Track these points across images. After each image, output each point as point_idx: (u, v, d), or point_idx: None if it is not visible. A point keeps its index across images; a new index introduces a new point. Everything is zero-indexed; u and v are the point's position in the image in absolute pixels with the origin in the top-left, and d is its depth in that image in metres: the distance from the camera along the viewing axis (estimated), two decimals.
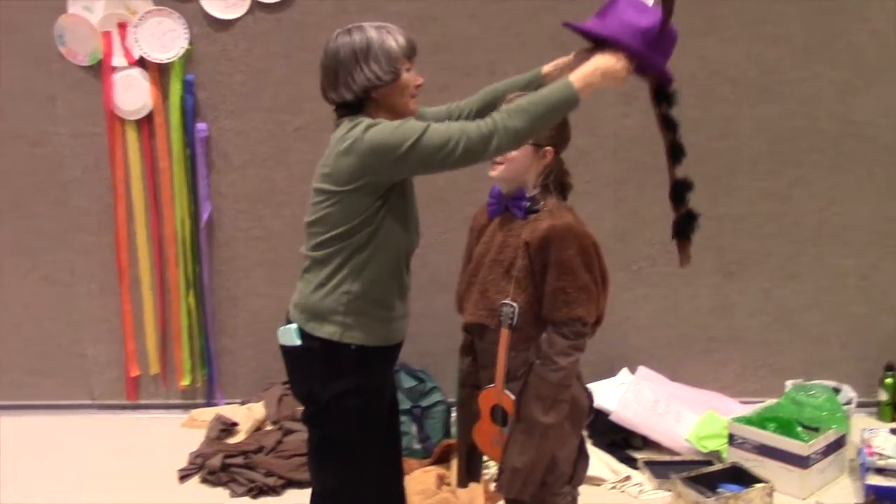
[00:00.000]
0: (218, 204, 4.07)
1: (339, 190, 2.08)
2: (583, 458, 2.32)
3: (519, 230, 2.17)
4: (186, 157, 4.00)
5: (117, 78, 3.92)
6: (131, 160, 4.02)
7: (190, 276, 4.10)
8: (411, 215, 2.21)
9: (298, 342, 2.16)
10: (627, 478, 3.43)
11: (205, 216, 4.05)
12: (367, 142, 2.03)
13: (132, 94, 3.94)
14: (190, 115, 3.97)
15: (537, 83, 2.34)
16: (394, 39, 2.12)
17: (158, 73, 3.94)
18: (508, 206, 2.26)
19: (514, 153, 2.16)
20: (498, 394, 2.20)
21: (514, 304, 2.14)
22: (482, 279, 2.21)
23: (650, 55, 2.09)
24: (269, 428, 3.86)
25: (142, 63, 3.93)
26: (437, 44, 3.84)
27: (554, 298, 2.12)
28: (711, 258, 3.97)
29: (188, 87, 3.94)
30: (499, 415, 2.23)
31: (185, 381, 4.18)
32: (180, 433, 4.00)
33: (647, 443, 3.68)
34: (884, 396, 3.91)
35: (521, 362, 2.18)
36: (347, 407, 2.16)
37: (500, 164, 2.20)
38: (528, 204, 2.20)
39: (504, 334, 2.15)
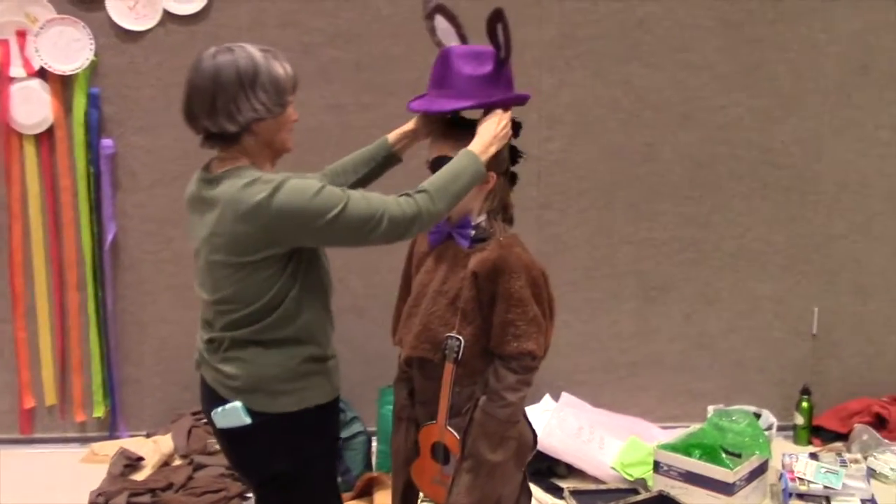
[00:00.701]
0: (123, 225, 3.84)
1: (244, 261, 1.86)
2: (525, 494, 2.22)
3: (464, 260, 2.06)
4: (90, 175, 3.76)
5: (15, 89, 3.66)
6: (29, 177, 3.76)
7: (92, 301, 3.85)
8: (324, 251, 2.07)
9: (248, 420, 1.94)
10: None
11: (109, 238, 3.81)
12: (278, 209, 1.80)
13: (31, 106, 3.69)
14: (94, 131, 3.74)
15: (385, 152, 2.30)
16: (281, 67, 1.92)
17: (61, 85, 3.70)
18: (452, 234, 2.14)
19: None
20: (440, 431, 2.09)
21: (460, 338, 2.03)
22: (425, 311, 2.10)
23: (514, 95, 2.09)
24: (177, 463, 3.64)
25: (42, 74, 3.68)
26: (358, 62, 3.73)
27: (503, 331, 2.02)
28: (633, 283, 3.97)
29: (93, 101, 3.71)
30: (440, 452, 2.12)
31: (91, 413, 3.92)
32: (79, 469, 3.73)
33: (571, 470, 3.62)
34: (800, 420, 3.96)
35: (466, 397, 2.07)
36: (316, 472, 2.01)
37: None
38: (474, 233, 2.09)
39: (448, 369, 2.04)
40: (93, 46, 3.65)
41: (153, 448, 3.69)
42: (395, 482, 2.28)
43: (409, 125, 2.31)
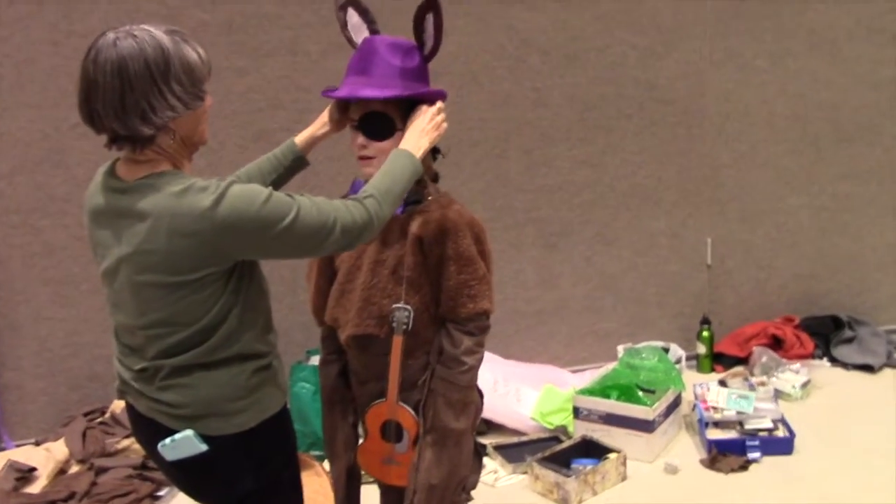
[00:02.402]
0: None
1: (182, 280, 1.64)
2: (477, 459, 2.15)
3: (400, 225, 1.93)
4: None
5: None
6: None
7: None
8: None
9: (204, 447, 1.73)
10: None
11: None
12: (224, 219, 1.59)
13: None
14: None
15: (293, 155, 2.11)
16: (194, 51, 1.66)
17: None
18: None
19: (386, 146, 1.92)
20: (391, 408, 1.96)
21: (409, 308, 1.91)
22: (364, 285, 1.95)
23: (437, 91, 1.99)
24: (75, 469, 3.38)
25: None
26: (230, 22, 3.49)
27: (457, 294, 1.91)
28: (533, 231, 3.93)
29: None
30: (392, 431, 2.00)
31: None
32: None
33: (490, 426, 3.59)
34: (702, 349, 4.06)
35: (419, 368, 1.96)
36: (284, 482, 1.84)
37: (372, 158, 1.94)
38: (407, 195, 1.96)
39: (397, 342, 1.91)
40: None
41: (45, 456, 3.42)
42: (335, 469, 2.14)
43: (318, 125, 2.11)
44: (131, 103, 1.60)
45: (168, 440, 1.74)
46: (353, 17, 2.01)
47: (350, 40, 2.01)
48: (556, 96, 3.82)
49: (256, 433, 1.77)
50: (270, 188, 1.66)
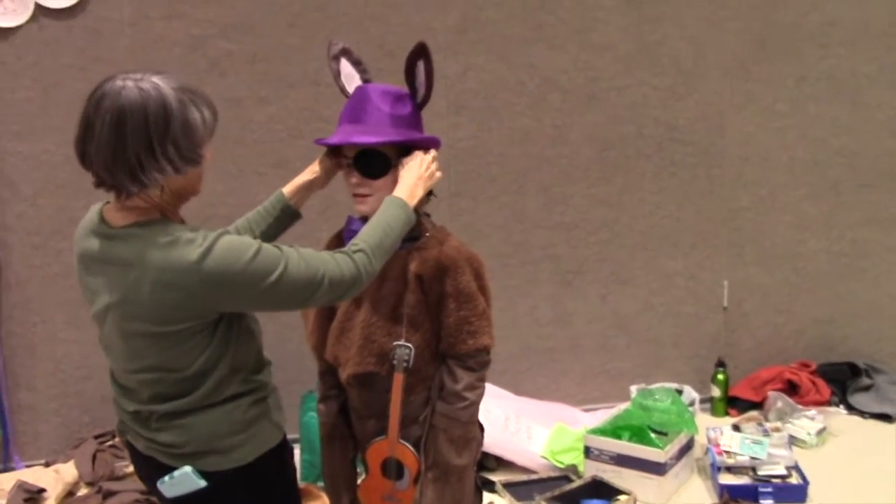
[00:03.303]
0: (5, 239, 3.53)
1: (167, 331, 1.62)
2: (478, 495, 2.13)
3: (398, 262, 1.94)
4: None
5: None
6: None
7: None
8: None
9: (203, 483, 1.73)
10: (490, 503, 3.29)
11: None
12: (210, 274, 1.57)
13: None
14: None
15: (281, 205, 2.09)
16: (198, 113, 1.62)
17: None
18: None
19: (383, 184, 1.93)
20: (392, 445, 1.96)
21: (410, 346, 1.91)
22: (364, 323, 1.96)
23: (431, 137, 2.02)
24: (84, 492, 3.38)
25: None
26: (254, 52, 3.53)
27: (457, 330, 1.92)
28: (548, 268, 3.93)
29: None
30: (392, 468, 1.99)
31: None
32: None
33: (500, 463, 3.56)
34: (716, 392, 4.02)
35: (419, 405, 1.96)
36: None
37: (367, 196, 1.95)
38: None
39: (398, 379, 1.92)
40: None
41: (55, 478, 3.42)
42: None
43: (307, 175, 2.10)
44: (122, 158, 1.57)
45: (167, 477, 1.74)
46: (346, 66, 2.05)
47: (343, 90, 2.04)
48: (575, 134, 3.84)
49: (255, 467, 1.77)
50: (259, 242, 1.64)
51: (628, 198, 3.93)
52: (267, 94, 3.58)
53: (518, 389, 3.93)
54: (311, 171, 2.10)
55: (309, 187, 2.10)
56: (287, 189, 2.09)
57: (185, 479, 1.73)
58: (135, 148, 1.56)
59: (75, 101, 3.43)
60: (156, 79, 1.61)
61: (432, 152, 1.96)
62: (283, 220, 2.10)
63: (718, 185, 4.00)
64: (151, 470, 1.78)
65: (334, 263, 1.69)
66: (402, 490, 2.01)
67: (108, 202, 1.74)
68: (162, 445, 1.74)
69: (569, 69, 3.77)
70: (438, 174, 1.98)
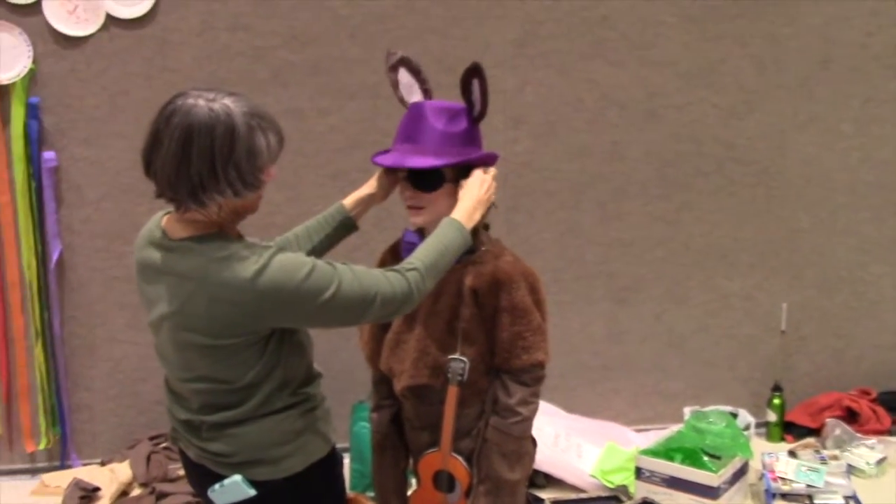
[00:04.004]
0: (70, 242, 3.63)
1: (220, 344, 1.65)
2: None
3: (454, 276, 1.94)
4: (31, 190, 3.54)
5: None
6: None
7: (38, 324, 3.62)
8: None
9: (253, 492, 1.75)
10: None
11: (54, 256, 3.59)
12: (265, 291, 1.58)
13: None
14: (35, 143, 3.51)
15: (341, 216, 2.11)
16: (264, 139, 1.63)
17: None
18: None
19: (436, 197, 1.94)
20: (444, 457, 1.96)
21: (465, 359, 1.91)
22: (419, 336, 1.96)
23: (488, 154, 2.01)
24: (137, 492, 3.45)
25: None
26: (316, 64, 3.58)
27: (511, 345, 1.91)
28: (603, 284, 3.90)
29: (32, 112, 3.49)
30: (444, 481, 2.00)
31: (41, 442, 3.70)
32: (30, 502, 3.52)
33: (549, 480, 3.53)
34: (772, 417, 3.94)
35: (473, 418, 1.96)
36: None
37: (422, 208, 1.96)
38: None
39: (452, 392, 1.92)
40: (31, 53, 3.43)
41: (110, 477, 3.49)
42: None
43: (367, 189, 2.13)
44: (185, 176, 1.60)
45: (217, 485, 1.77)
46: (404, 76, 2.04)
47: (402, 100, 2.04)
48: (633, 151, 3.81)
49: (304, 477, 1.78)
50: (314, 260, 1.66)
51: (686, 216, 3.89)
52: (327, 105, 3.63)
53: (569, 407, 3.89)
54: (372, 184, 2.12)
55: (369, 201, 2.13)
56: (347, 201, 2.12)
57: (234, 487, 1.75)
58: (198, 168, 1.59)
59: (141, 109, 3.56)
60: (227, 100, 1.62)
61: (492, 171, 1.97)
62: (341, 231, 2.13)
63: (778, 205, 3.93)
64: (202, 478, 1.81)
65: (386, 282, 1.71)
66: (453, 503, 2.01)
67: (168, 212, 1.78)
68: (212, 454, 1.77)
69: (628, 85, 3.75)
70: (493, 191, 1.98)
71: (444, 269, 1.82)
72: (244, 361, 1.68)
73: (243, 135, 1.60)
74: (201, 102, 1.61)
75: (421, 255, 1.79)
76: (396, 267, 1.76)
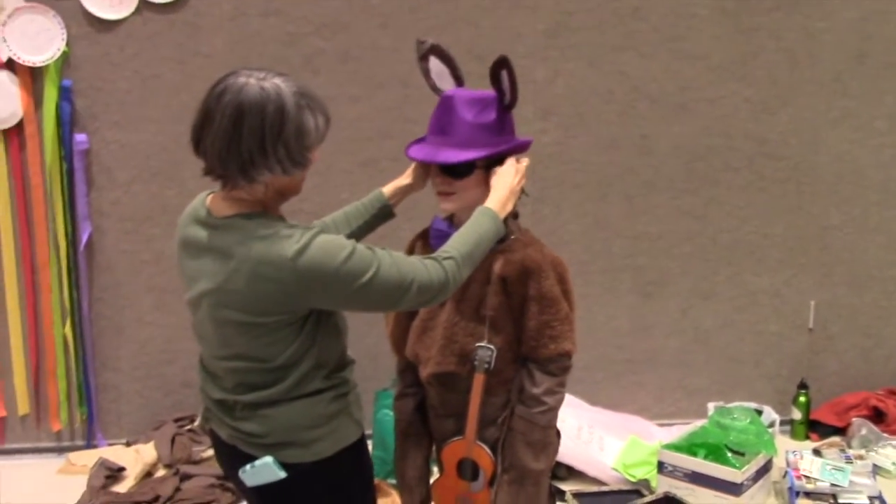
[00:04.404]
0: (99, 224, 3.66)
1: (258, 322, 1.66)
2: (552, 500, 2.12)
3: (484, 264, 1.94)
4: (63, 172, 3.58)
5: None
6: None
7: (67, 304, 3.66)
8: None
9: (283, 474, 1.77)
10: None
11: (84, 238, 3.63)
12: (305, 271, 1.61)
13: None
14: (67, 125, 3.55)
15: (380, 204, 2.13)
16: (312, 119, 1.66)
17: (30, 77, 3.50)
18: None
19: (467, 184, 1.94)
20: (469, 446, 1.96)
21: (492, 348, 1.91)
22: (446, 323, 1.96)
23: (521, 142, 2.02)
24: (162, 473, 3.48)
25: (10, 66, 3.48)
26: (346, 52, 3.59)
27: (539, 334, 1.91)
28: (629, 278, 3.88)
29: (65, 94, 3.52)
30: (468, 469, 2.00)
31: (61, 422, 3.75)
32: (56, 480, 3.57)
33: (571, 472, 3.53)
34: (797, 415, 3.91)
35: (499, 406, 1.96)
36: None
37: (452, 194, 1.96)
38: None
39: (479, 380, 1.92)
40: (64, 36, 3.47)
41: (135, 457, 3.53)
42: (408, 500, 2.14)
43: (406, 178, 2.15)
44: (235, 152, 1.63)
45: (248, 466, 1.78)
46: (436, 64, 2.04)
47: (434, 88, 2.03)
48: (662, 144, 3.78)
49: (334, 462, 1.79)
50: (354, 243, 1.67)
51: (714, 211, 3.86)
52: (357, 92, 3.63)
53: (592, 399, 3.88)
54: (408, 174, 2.15)
55: (407, 189, 2.16)
56: (387, 189, 2.15)
57: (265, 469, 1.76)
58: (248, 145, 1.62)
59: (172, 94, 3.58)
60: (278, 80, 1.65)
61: (525, 161, 1.96)
62: (379, 218, 2.15)
63: (809, 201, 3.89)
64: (233, 458, 1.82)
65: (424, 269, 1.72)
66: (476, 492, 2.01)
67: (212, 192, 1.80)
68: (245, 434, 1.78)
69: (659, 78, 3.72)
70: (524, 173, 1.98)
71: (479, 258, 1.83)
72: (280, 341, 1.69)
73: (293, 114, 1.63)
74: (252, 81, 1.64)
75: (457, 244, 1.80)
76: (433, 255, 1.77)
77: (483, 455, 1.96)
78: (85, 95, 3.56)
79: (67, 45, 3.48)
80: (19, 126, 3.54)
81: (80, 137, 3.56)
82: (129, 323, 3.75)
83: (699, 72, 3.73)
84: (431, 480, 2.14)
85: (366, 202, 2.15)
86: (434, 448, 2.13)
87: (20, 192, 3.59)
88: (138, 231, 3.68)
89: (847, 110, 3.83)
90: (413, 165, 2.13)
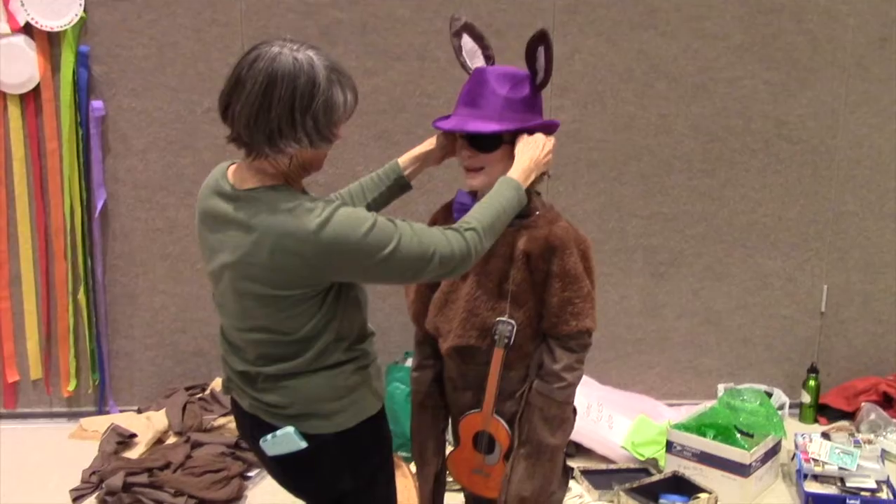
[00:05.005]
0: (114, 191, 3.66)
1: (280, 294, 1.67)
2: (565, 477, 2.13)
3: (508, 240, 1.93)
4: (79, 139, 3.58)
5: None
6: (13, 140, 3.57)
7: (80, 271, 3.68)
8: None
9: (304, 444, 1.78)
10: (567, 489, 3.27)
11: (99, 205, 3.64)
12: (327, 244, 1.61)
13: (16, 65, 3.48)
14: (84, 92, 3.54)
15: (396, 175, 2.11)
16: (342, 94, 1.66)
17: (48, 42, 3.50)
18: None
19: (494, 158, 1.93)
20: (486, 419, 1.97)
21: (513, 322, 1.91)
22: (468, 296, 1.96)
23: (550, 121, 2.01)
24: (172, 440, 3.50)
25: (28, 30, 3.48)
26: (363, 23, 3.57)
27: (561, 311, 1.91)
28: (642, 258, 3.87)
29: (82, 60, 3.52)
30: (484, 442, 2.00)
31: (79, 388, 3.77)
32: (68, 445, 3.60)
33: (579, 449, 3.54)
34: (806, 398, 3.91)
35: (517, 381, 1.96)
36: (380, 482, 1.87)
37: (480, 170, 1.95)
38: None
39: (498, 354, 1.92)
40: (82, 2, 3.45)
41: (146, 424, 3.55)
42: (422, 474, 2.15)
43: (423, 148, 2.13)
44: (264, 120, 1.62)
45: (270, 436, 1.78)
46: (467, 42, 2.03)
47: (464, 66, 2.03)
48: (680, 125, 3.76)
49: (355, 433, 1.80)
50: (375, 215, 1.67)
51: (730, 192, 3.84)
52: (373, 65, 3.61)
53: (602, 378, 3.89)
54: (428, 144, 2.12)
55: (424, 161, 2.13)
56: (402, 160, 2.13)
57: (286, 439, 1.77)
58: (278, 114, 1.61)
59: (189, 62, 3.57)
60: (311, 52, 1.65)
61: (552, 138, 1.95)
62: (395, 190, 2.13)
63: (825, 185, 3.87)
64: (255, 428, 1.83)
65: (445, 241, 1.71)
66: (491, 465, 2.01)
67: (233, 163, 1.79)
68: (266, 405, 1.78)
69: (678, 57, 3.69)
70: (551, 157, 1.97)
71: (500, 228, 1.82)
72: (302, 314, 1.69)
73: (324, 87, 1.63)
74: (286, 51, 1.63)
75: (478, 215, 1.79)
76: (454, 226, 1.76)
77: (500, 428, 1.97)
78: (102, 62, 3.55)
79: (85, 10, 3.47)
80: (36, 91, 3.53)
81: (96, 104, 3.56)
82: (143, 291, 3.76)
83: (719, 52, 3.71)
84: (447, 453, 2.15)
85: (381, 174, 2.13)
86: (450, 420, 2.13)
87: (36, 157, 3.59)
88: (153, 199, 3.68)
89: (867, 94, 3.80)
90: (436, 136, 2.11)
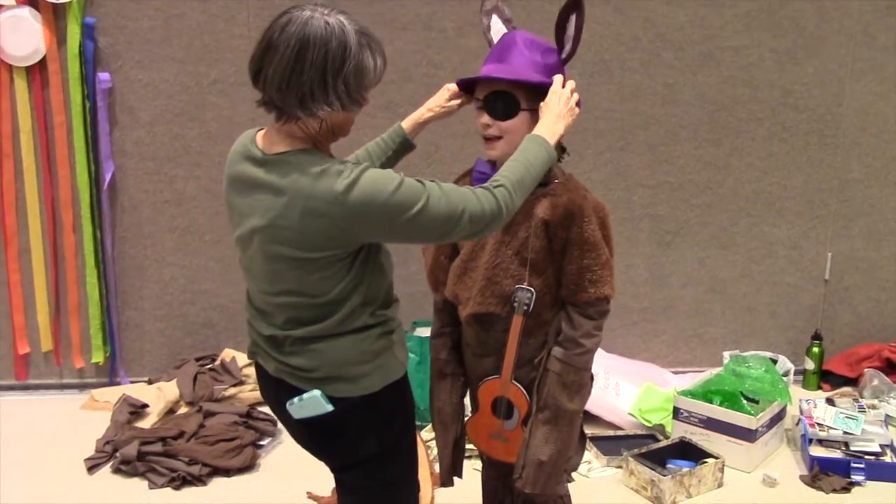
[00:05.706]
0: (122, 164, 3.67)
1: (310, 257, 1.69)
2: (582, 442, 2.16)
3: (527, 207, 1.94)
4: (86, 111, 3.58)
5: (3, 18, 3.45)
6: (20, 113, 3.57)
7: (90, 243, 3.69)
8: None
9: (330, 407, 1.79)
10: None
11: (107, 177, 3.64)
12: (356, 205, 1.62)
13: (21, 37, 3.48)
14: (90, 64, 3.54)
15: (400, 138, 2.14)
16: (372, 59, 1.68)
17: (53, 14, 3.49)
18: None
19: (512, 126, 1.94)
20: (504, 385, 1.99)
21: (532, 290, 1.93)
22: (487, 264, 1.98)
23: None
24: (184, 410, 3.54)
25: (33, 2, 3.46)
26: None
27: (580, 278, 1.93)
28: (648, 227, 3.89)
29: (88, 32, 3.51)
30: (502, 407, 2.03)
31: (90, 359, 3.80)
32: (79, 416, 3.63)
33: (587, 417, 3.56)
34: (810, 365, 3.95)
35: (536, 347, 1.99)
36: (403, 447, 1.89)
37: (497, 139, 1.96)
38: None
39: (517, 322, 1.94)
40: None
41: (157, 395, 3.59)
42: (441, 439, 2.18)
43: (423, 110, 2.15)
44: (296, 83, 1.64)
45: (296, 399, 1.81)
46: (496, 23, 2.04)
47: (491, 44, 2.04)
48: (686, 94, 3.76)
49: (380, 397, 1.82)
50: (402, 175, 1.69)
51: (736, 161, 3.85)
52: (380, 35, 3.52)
53: (609, 347, 3.92)
54: (427, 107, 2.15)
55: (426, 122, 2.16)
56: (405, 123, 2.16)
57: (313, 402, 1.79)
58: (310, 76, 1.63)
59: (196, 33, 3.56)
60: (342, 17, 1.66)
61: (571, 83, 1.95)
62: (401, 151, 2.17)
63: (831, 154, 3.88)
64: (281, 392, 1.85)
65: (475, 199, 1.72)
66: (509, 430, 2.04)
67: (260, 129, 1.80)
68: (293, 368, 1.80)
69: (685, 26, 3.69)
70: (578, 110, 1.97)
71: (530, 185, 1.82)
72: (331, 276, 1.72)
73: (355, 51, 1.64)
74: (317, 15, 1.64)
75: (507, 172, 1.80)
76: (484, 185, 1.78)
77: (518, 394, 2.00)
78: (108, 33, 3.54)
79: None
80: (42, 64, 3.53)
81: (103, 76, 3.55)
82: (152, 263, 3.78)
83: (726, 20, 3.70)
84: (466, 418, 2.18)
85: (386, 138, 2.17)
86: (468, 387, 2.16)
87: (43, 130, 3.59)
88: (160, 171, 3.69)
89: (873, 62, 3.80)
90: (437, 95, 2.13)
